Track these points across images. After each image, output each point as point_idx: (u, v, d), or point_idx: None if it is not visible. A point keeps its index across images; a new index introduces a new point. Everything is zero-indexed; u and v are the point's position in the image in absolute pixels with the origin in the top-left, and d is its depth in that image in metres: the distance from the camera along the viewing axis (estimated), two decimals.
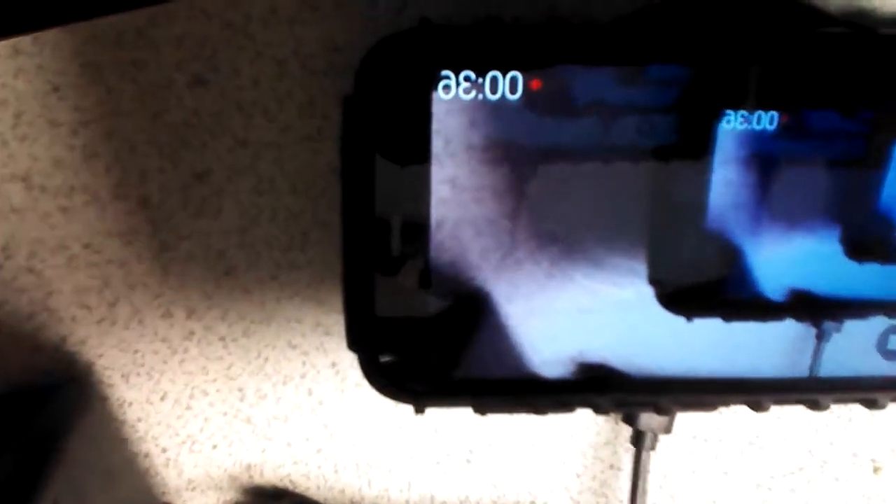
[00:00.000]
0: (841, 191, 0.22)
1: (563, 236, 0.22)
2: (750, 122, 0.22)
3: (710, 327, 0.23)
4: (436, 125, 0.21)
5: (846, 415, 0.31)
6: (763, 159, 0.22)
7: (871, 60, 0.22)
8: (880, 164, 0.22)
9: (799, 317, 0.23)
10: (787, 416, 0.31)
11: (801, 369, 0.24)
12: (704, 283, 0.23)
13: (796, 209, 0.22)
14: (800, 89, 0.22)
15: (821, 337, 0.23)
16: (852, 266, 0.23)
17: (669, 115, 0.22)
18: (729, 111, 0.22)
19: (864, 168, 0.22)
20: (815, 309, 0.23)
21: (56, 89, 0.25)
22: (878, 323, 0.23)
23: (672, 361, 0.23)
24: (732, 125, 0.22)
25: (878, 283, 0.23)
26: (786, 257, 0.23)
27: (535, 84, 0.21)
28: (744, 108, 0.22)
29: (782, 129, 0.22)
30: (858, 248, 0.23)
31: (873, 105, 0.22)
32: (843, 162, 0.22)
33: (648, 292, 0.23)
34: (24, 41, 0.24)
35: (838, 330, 0.23)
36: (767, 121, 0.22)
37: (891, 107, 0.22)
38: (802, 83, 0.22)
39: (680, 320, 0.23)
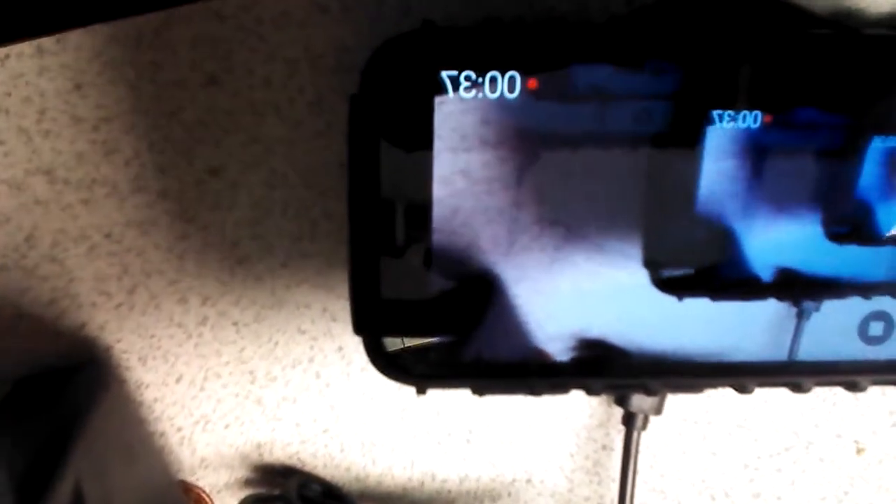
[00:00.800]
0: (822, 180, 0.23)
1: (562, 222, 0.23)
2: (736, 121, 0.22)
3: (699, 308, 0.24)
4: (438, 121, 0.22)
5: (830, 398, 0.31)
6: (749, 153, 0.23)
7: (854, 60, 0.22)
8: (859, 155, 0.23)
9: (781, 296, 0.24)
10: (774, 399, 0.31)
11: (784, 353, 0.24)
12: (695, 266, 0.24)
13: (780, 197, 0.23)
14: (784, 89, 0.22)
15: (801, 316, 0.24)
16: (832, 248, 0.23)
17: (661, 112, 0.22)
18: (716, 111, 0.22)
19: (843, 159, 0.23)
20: (797, 289, 0.24)
21: (78, 87, 0.25)
22: (857, 306, 0.24)
23: (663, 341, 0.24)
24: (720, 124, 0.22)
25: (855, 265, 0.24)
26: (770, 241, 0.23)
27: (532, 83, 0.22)
28: (730, 109, 0.22)
29: (767, 126, 0.22)
30: (838, 231, 0.23)
31: (854, 101, 0.22)
32: (824, 153, 0.23)
33: (643, 274, 0.23)
34: (48, 41, 0.25)
35: (817, 310, 0.24)
36: (752, 119, 0.22)
37: (869, 103, 0.22)
38: (787, 83, 0.22)
39: (671, 301, 0.24)
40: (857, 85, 0.22)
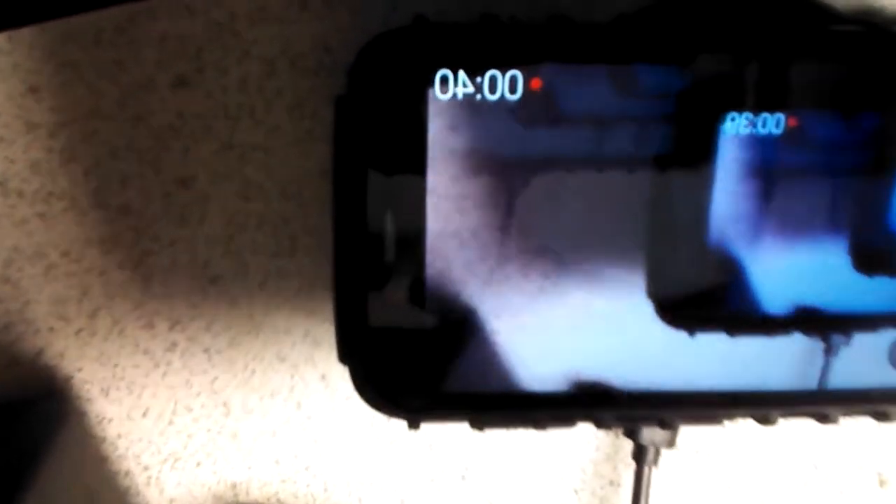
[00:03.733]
0: (849, 200, 0.22)
1: (561, 249, 0.22)
2: (755, 126, 0.21)
3: (713, 342, 0.23)
4: (432, 126, 0.21)
5: (852, 427, 0.30)
6: (768, 167, 0.22)
7: (884, 61, 0.21)
8: (891, 172, 0.22)
9: (806, 331, 0.23)
10: (792, 430, 0.30)
11: (809, 382, 0.23)
12: (707, 298, 0.23)
13: (803, 220, 0.22)
14: (808, 90, 0.21)
15: (829, 351, 0.23)
16: (861, 279, 0.23)
17: (671, 118, 0.21)
18: (732, 113, 0.21)
19: (874, 176, 0.22)
20: (823, 323, 0.23)
21: (33, 90, 0.24)
22: (889, 335, 0.23)
23: (674, 377, 0.23)
24: (736, 129, 0.21)
25: (888, 297, 0.23)
26: (792, 270, 0.22)
27: (536, 83, 0.21)
28: (748, 110, 0.21)
29: (789, 134, 0.21)
30: (867, 260, 0.22)
31: (884, 109, 0.21)
32: (851, 170, 0.22)
33: (648, 307, 0.23)
34: None
35: (847, 344, 0.23)
36: (773, 124, 0.21)
37: None
38: (811, 84, 0.21)
39: (682, 335, 0.23)
40: (889, 88, 0.21)
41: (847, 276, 0.22)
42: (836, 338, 0.23)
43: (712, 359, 0.23)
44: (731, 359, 0.23)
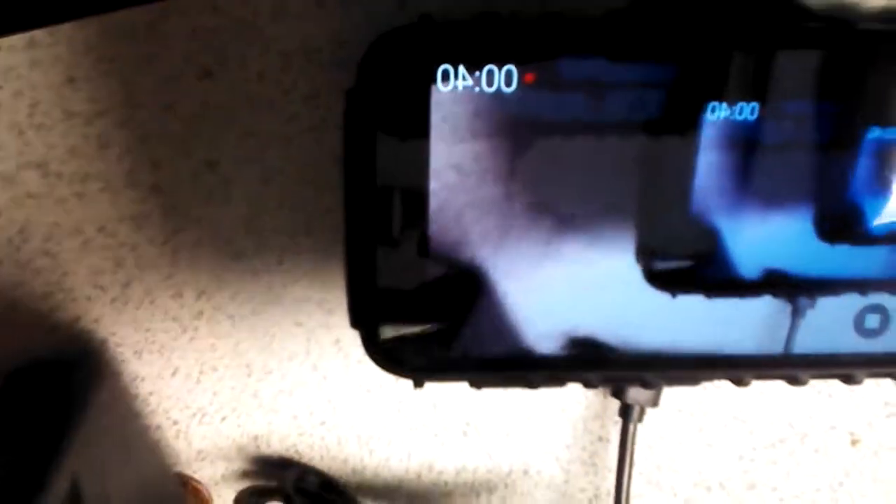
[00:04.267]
0: (815, 176, 0.23)
1: (556, 213, 0.23)
2: (733, 113, 0.22)
3: (693, 304, 0.24)
4: (434, 116, 0.22)
5: (825, 389, 0.31)
6: (744, 147, 0.23)
7: (848, 54, 0.22)
8: (851, 151, 0.23)
9: (775, 294, 0.24)
10: (769, 391, 0.31)
11: (780, 346, 0.24)
12: (688, 262, 0.24)
13: (774, 193, 0.23)
14: (780, 82, 0.22)
15: (796, 313, 0.24)
16: (824, 247, 0.24)
17: (657, 105, 0.22)
18: (713, 103, 0.22)
19: (836, 155, 0.23)
20: (790, 287, 0.24)
21: (71, 80, 0.25)
22: (853, 301, 0.24)
23: (658, 336, 0.24)
24: (716, 115, 0.22)
25: (848, 264, 0.24)
26: (764, 238, 0.23)
27: (529, 77, 0.22)
28: (727, 100, 0.22)
29: (762, 119, 0.22)
30: (830, 230, 0.23)
31: (847, 96, 0.22)
32: (817, 149, 0.23)
33: (636, 270, 0.23)
34: (40, 34, 0.24)
35: (812, 307, 0.24)
36: (749, 111, 0.22)
37: (862, 98, 0.22)
38: (783, 76, 0.22)
39: (665, 297, 0.24)
40: (852, 78, 0.22)
41: (812, 243, 0.23)
42: (803, 301, 0.24)
43: (692, 321, 0.24)
44: (708, 321, 0.24)
